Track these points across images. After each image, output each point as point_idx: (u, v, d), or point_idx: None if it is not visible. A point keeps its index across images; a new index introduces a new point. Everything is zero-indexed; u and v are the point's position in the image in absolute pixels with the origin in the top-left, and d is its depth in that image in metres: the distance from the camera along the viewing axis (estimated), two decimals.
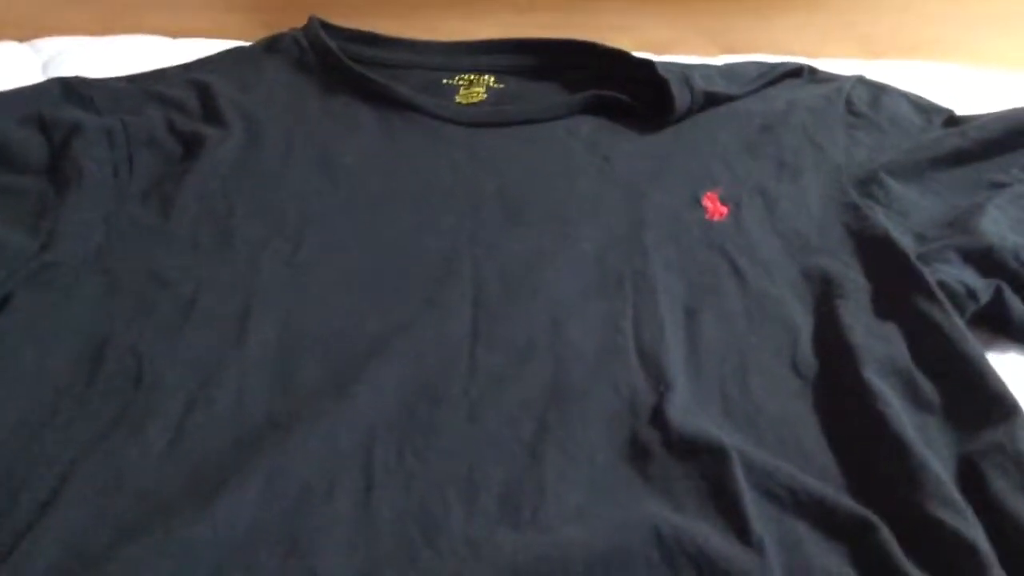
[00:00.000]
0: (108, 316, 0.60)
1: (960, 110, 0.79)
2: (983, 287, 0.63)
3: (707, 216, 0.69)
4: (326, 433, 0.54)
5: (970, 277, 0.63)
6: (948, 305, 0.60)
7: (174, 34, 0.97)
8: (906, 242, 0.65)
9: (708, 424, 0.55)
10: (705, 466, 0.53)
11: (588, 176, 0.72)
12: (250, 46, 0.85)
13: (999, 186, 0.71)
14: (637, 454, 0.54)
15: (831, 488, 0.52)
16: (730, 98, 0.78)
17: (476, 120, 0.77)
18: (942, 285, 0.62)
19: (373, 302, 0.63)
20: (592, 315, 0.62)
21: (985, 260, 0.64)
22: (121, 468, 0.52)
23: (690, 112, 0.76)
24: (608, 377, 0.58)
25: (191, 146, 0.72)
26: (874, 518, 0.50)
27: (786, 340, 0.61)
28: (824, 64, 0.86)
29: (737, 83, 0.79)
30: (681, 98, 0.76)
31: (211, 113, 0.75)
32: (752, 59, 0.88)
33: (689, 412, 0.55)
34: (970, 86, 0.90)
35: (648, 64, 0.78)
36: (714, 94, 0.77)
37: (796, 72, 0.82)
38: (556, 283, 0.64)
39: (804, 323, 0.62)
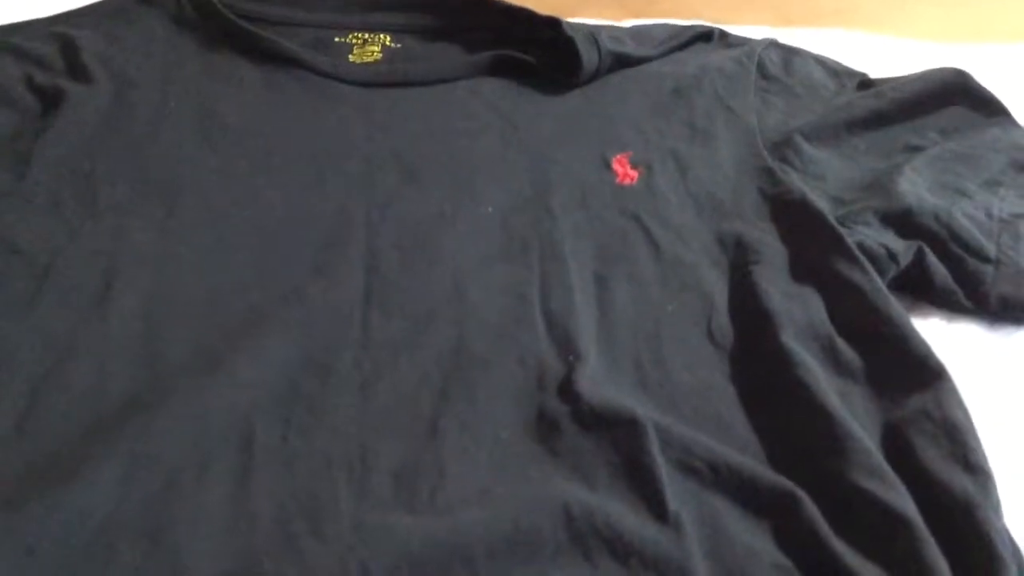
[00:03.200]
0: None
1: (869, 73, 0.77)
2: (903, 249, 0.60)
3: (617, 180, 0.65)
4: (197, 412, 0.48)
5: (890, 239, 0.60)
6: (869, 267, 0.57)
7: None
8: (823, 205, 0.62)
9: (621, 396, 0.51)
10: (618, 440, 0.49)
11: (491, 138, 0.68)
12: None
13: (916, 149, 0.69)
14: (545, 429, 0.50)
15: (752, 460, 0.49)
16: (640, 60, 0.74)
17: (370, 79, 0.71)
18: (862, 247, 0.59)
19: (254, 270, 0.57)
20: (496, 281, 0.57)
21: (904, 222, 0.61)
22: None
23: (598, 74, 0.72)
24: (514, 347, 0.54)
25: (51, 102, 0.65)
26: (798, 491, 0.47)
27: (701, 308, 0.57)
28: (736, 31, 0.82)
29: (647, 45, 0.75)
30: (589, 58, 0.71)
31: (75, 68, 0.68)
32: (658, 22, 0.84)
33: (600, 383, 0.51)
34: (881, 55, 0.88)
35: (554, 23, 0.73)
36: (623, 55, 0.73)
37: (707, 35, 0.79)
38: (457, 248, 0.59)
39: (719, 290, 0.58)
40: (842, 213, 0.62)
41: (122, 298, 0.54)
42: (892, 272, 0.59)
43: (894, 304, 0.56)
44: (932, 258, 0.60)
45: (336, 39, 0.76)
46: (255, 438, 0.48)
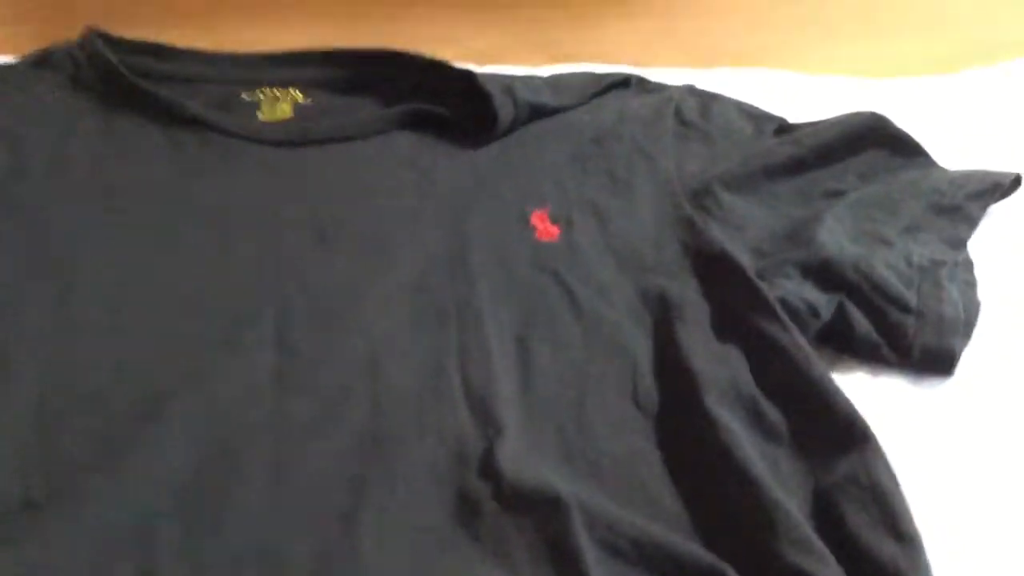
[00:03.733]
0: None
1: (790, 117, 0.76)
2: (825, 303, 0.59)
3: (536, 236, 0.63)
4: (94, 514, 0.46)
5: (811, 292, 0.60)
6: (791, 324, 0.57)
7: None
8: (744, 258, 0.61)
9: (544, 472, 0.49)
10: (541, 521, 0.47)
11: (406, 196, 0.66)
12: (15, 62, 0.74)
13: (835, 194, 0.68)
14: (466, 511, 0.48)
15: (679, 536, 0.47)
16: (557, 110, 0.72)
17: (280, 138, 0.69)
18: (783, 303, 0.58)
19: (157, 352, 0.54)
20: (413, 352, 0.55)
21: (824, 273, 0.61)
22: None
23: (515, 126, 0.70)
24: (432, 423, 0.52)
25: None
26: (725, 568, 0.45)
27: (626, 369, 0.56)
28: (651, 73, 0.82)
29: (564, 95, 0.74)
30: (504, 111, 0.69)
31: None
32: (579, 69, 0.83)
33: (522, 459, 0.50)
34: (798, 93, 0.88)
35: (468, 75, 0.72)
36: (540, 106, 0.71)
37: (624, 82, 0.78)
38: (371, 318, 0.57)
39: (643, 349, 0.57)
40: (762, 265, 0.61)
41: (13, 389, 0.51)
42: (815, 327, 0.59)
43: (817, 363, 0.55)
44: (854, 310, 0.60)
45: (244, 96, 0.74)
46: (157, 539, 0.45)
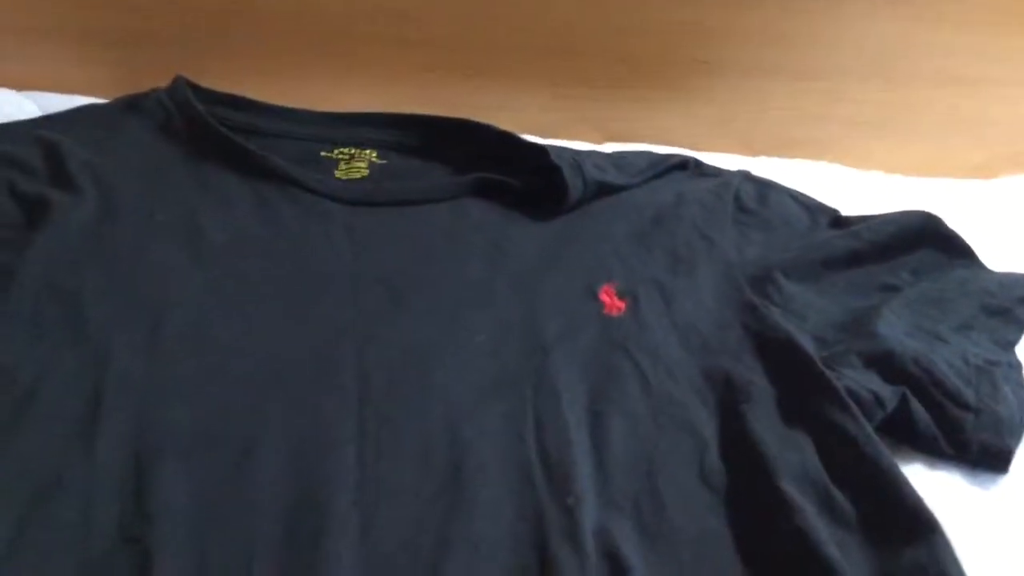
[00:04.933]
0: None
1: (837, 208, 0.79)
2: (890, 394, 0.61)
3: (605, 311, 0.65)
4: (192, 560, 0.47)
5: (875, 383, 0.62)
6: (859, 413, 0.58)
7: (20, 86, 0.88)
8: (808, 345, 0.63)
9: (623, 545, 0.50)
10: None
11: (477, 262, 0.68)
12: (108, 104, 0.77)
13: (890, 288, 0.71)
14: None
15: None
16: (620, 188, 0.75)
17: (357, 198, 0.71)
18: (849, 392, 0.60)
19: (244, 399, 0.56)
20: (491, 419, 0.57)
21: (887, 365, 0.63)
22: None
23: (581, 202, 0.73)
24: (512, 491, 0.53)
25: (35, 212, 0.64)
26: None
27: (693, 447, 0.58)
28: (708, 159, 0.85)
29: (627, 173, 0.76)
30: (574, 187, 0.72)
31: (60, 176, 0.67)
32: (637, 148, 0.86)
33: (604, 531, 0.51)
34: (847, 186, 0.91)
35: (540, 149, 0.74)
36: (606, 184, 0.74)
37: (682, 164, 0.80)
38: (449, 380, 0.59)
39: (710, 429, 0.59)
40: (826, 354, 0.63)
41: (108, 429, 0.52)
42: (879, 417, 0.60)
43: (885, 453, 0.56)
44: (916, 404, 0.61)
45: (323, 154, 0.76)
46: None
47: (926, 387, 0.62)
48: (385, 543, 0.50)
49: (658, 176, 0.78)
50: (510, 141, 0.76)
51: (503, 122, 0.79)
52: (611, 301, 0.66)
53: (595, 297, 0.66)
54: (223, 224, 0.67)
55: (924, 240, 0.74)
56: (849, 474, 0.56)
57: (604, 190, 0.74)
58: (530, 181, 0.74)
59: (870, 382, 0.61)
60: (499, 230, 0.71)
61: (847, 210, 0.81)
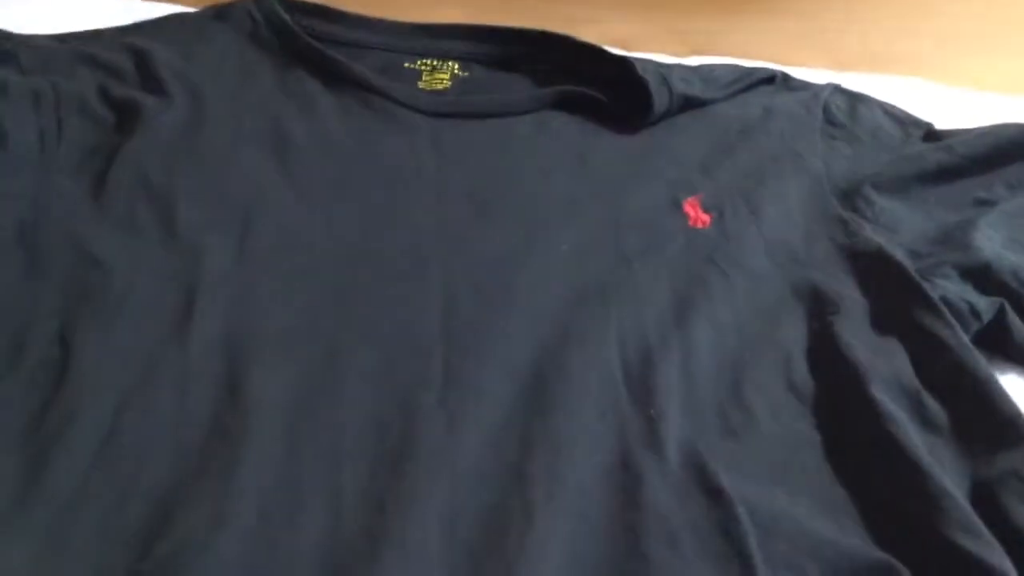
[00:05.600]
0: (32, 298, 0.54)
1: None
2: (986, 305, 0.60)
3: (690, 223, 0.65)
4: (285, 452, 0.49)
5: (972, 295, 0.60)
6: (954, 321, 0.57)
7: None
8: (901, 257, 0.62)
9: (708, 460, 0.50)
10: (707, 508, 0.49)
11: (561, 175, 0.68)
12: (197, 12, 0.77)
13: (985, 203, 0.69)
14: (630, 484, 0.50)
15: (845, 531, 0.49)
16: (706, 102, 0.74)
17: (441, 109, 0.71)
18: (945, 301, 0.59)
19: (332, 299, 0.57)
20: (574, 327, 0.57)
21: (983, 278, 0.61)
22: (40, 476, 0.46)
23: (667, 115, 0.72)
24: (594, 399, 0.53)
25: (126, 116, 0.65)
26: (895, 564, 0.46)
27: (781, 357, 0.57)
28: (792, 72, 0.82)
29: (713, 87, 0.75)
30: (660, 100, 0.71)
31: (150, 81, 0.68)
32: (722, 62, 0.84)
33: (686, 442, 0.51)
34: (937, 103, 0.87)
35: (625, 62, 0.73)
36: (692, 97, 0.73)
37: (770, 79, 0.79)
38: (532, 289, 0.59)
39: (798, 339, 0.58)
40: (920, 266, 0.62)
41: (201, 326, 0.54)
42: (974, 328, 0.59)
43: (981, 361, 0.55)
44: (1013, 316, 0.60)
45: (406, 64, 0.76)
46: (343, 480, 0.48)
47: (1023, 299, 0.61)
48: (470, 441, 0.50)
49: (745, 90, 0.77)
50: (594, 53, 0.75)
51: (587, 34, 0.78)
52: (696, 214, 0.65)
53: (680, 210, 0.66)
54: (308, 131, 0.67)
55: (1020, 153, 0.71)
56: (943, 381, 0.55)
57: (690, 103, 0.73)
58: (615, 94, 0.73)
59: (966, 293, 0.60)
60: (583, 142, 0.70)
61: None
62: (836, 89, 0.78)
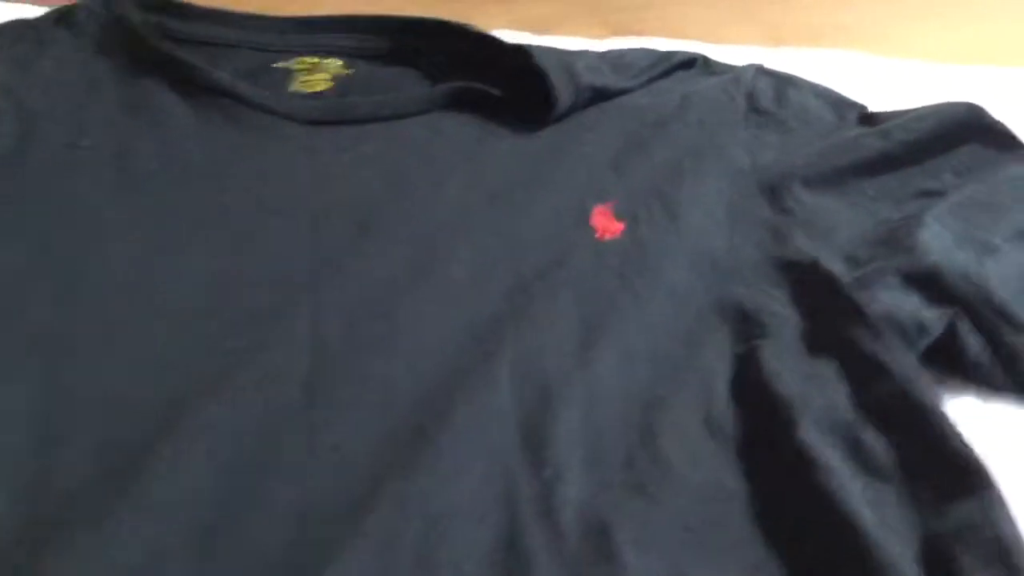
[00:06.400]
0: None
1: (871, 104, 0.69)
2: (934, 319, 0.52)
3: (598, 235, 0.57)
4: (100, 548, 0.40)
5: (917, 306, 0.53)
6: (896, 343, 0.50)
7: None
8: (837, 267, 0.54)
9: (612, 524, 0.43)
10: None
11: (455, 186, 0.59)
12: (36, 18, 0.69)
13: (930, 194, 0.61)
14: (514, 561, 0.41)
15: None
16: (618, 92, 0.66)
17: (317, 116, 0.63)
18: (887, 318, 0.51)
19: (177, 353, 0.49)
20: (463, 369, 0.49)
21: (931, 283, 0.53)
22: None
23: (573, 110, 0.63)
24: (480, 459, 0.45)
25: None
26: None
27: (699, 390, 0.49)
28: (724, 50, 0.76)
29: (625, 75, 0.67)
30: (563, 94, 0.62)
31: None
32: (647, 43, 0.76)
33: (585, 507, 0.43)
34: (880, 76, 0.80)
35: (523, 52, 0.65)
36: (601, 88, 0.65)
37: (689, 63, 0.70)
38: (417, 322, 0.51)
39: (720, 370, 0.50)
40: (859, 275, 0.54)
41: (10, 399, 0.45)
42: (921, 346, 0.52)
43: (927, 389, 0.48)
44: (966, 328, 0.52)
45: (278, 64, 0.68)
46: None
47: (978, 307, 0.53)
48: (327, 509, 0.43)
49: (661, 77, 0.68)
50: (490, 44, 0.67)
51: (494, 16, 0.71)
52: (607, 222, 0.57)
53: (588, 219, 0.57)
54: (158, 153, 0.59)
55: (967, 135, 0.63)
56: (884, 414, 0.47)
57: (599, 96, 0.65)
58: (514, 88, 0.64)
59: (911, 305, 0.52)
60: (480, 148, 0.62)
61: (883, 106, 0.70)
62: (760, 71, 0.69)
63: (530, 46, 0.65)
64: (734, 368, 0.50)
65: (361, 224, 0.56)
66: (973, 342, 0.52)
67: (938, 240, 0.55)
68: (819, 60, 0.82)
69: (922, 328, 0.52)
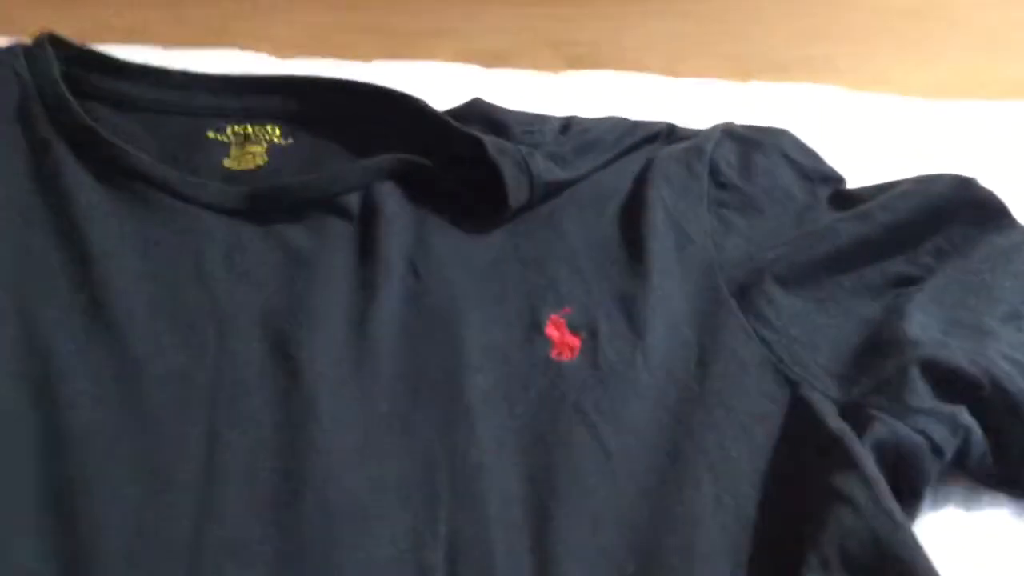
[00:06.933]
0: None
1: (844, 139, 0.66)
2: (946, 436, 0.49)
3: (553, 354, 0.52)
4: None
5: (927, 422, 0.49)
6: (875, 476, 0.46)
7: None
8: (830, 393, 0.51)
9: None
10: None
11: (388, 294, 0.53)
12: None
13: (911, 281, 0.57)
14: None
15: None
16: (577, 181, 0.60)
17: (240, 206, 0.57)
18: (896, 448, 0.48)
19: (36, 522, 0.44)
20: (383, 536, 0.44)
21: (935, 381, 0.50)
22: None
23: (528, 206, 0.58)
24: None
25: None
26: None
27: (674, 554, 0.46)
28: (688, 84, 0.74)
29: (589, 157, 0.60)
30: (516, 190, 0.57)
31: None
32: (600, 77, 0.74)
33: None
34: (853, 111, 0.77)
35: (476, 142, 0.58)
36: (560, 183, 0.59)
37: (654, 136, 0.64)
38: (333, 478, 0.46)
39: (702, 526, 0.46)
40: (854, 396, 0.51)
41: None
42: (937, 468, 0.49)
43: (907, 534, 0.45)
44: (973, 433, 0.49)
45: (210, 134, 0.61)
46: None
47: (989, 396, 0.50)
48: None
49: (628, 151, 0.62)
50: (441, 126, 0.60)
51: (449, 47, 0.68)
52: (561, 338, 0.53)
53: (540, 334, 0.53)
54: (59, 245, 0.53)
55: (955, 212, 0.59)
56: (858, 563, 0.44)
57: (557, 189, 0.59)
58: (465, 173, 0.58)
59: (919, 422, 0.49)
60: (418, 245, 0.56)
61: (858, 142, 0.69)
62: (725, 135, 0.63)
63: (484, 137, 0.58)
64: (714, 524, 0.47)
65: (277, 343, 0.51)
66: (979, 446, 0.50)
67: (926, 332, 0.52)
68: (789, 95, 0.79)
69: (936, 448, 0.48)
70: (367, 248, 0.56)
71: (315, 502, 0.45)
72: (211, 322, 0.52)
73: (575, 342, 0.53)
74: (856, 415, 0.49)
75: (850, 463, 0.47)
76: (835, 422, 0.49)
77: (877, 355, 0.52)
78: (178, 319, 0.52)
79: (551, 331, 0.53)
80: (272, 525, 0.44)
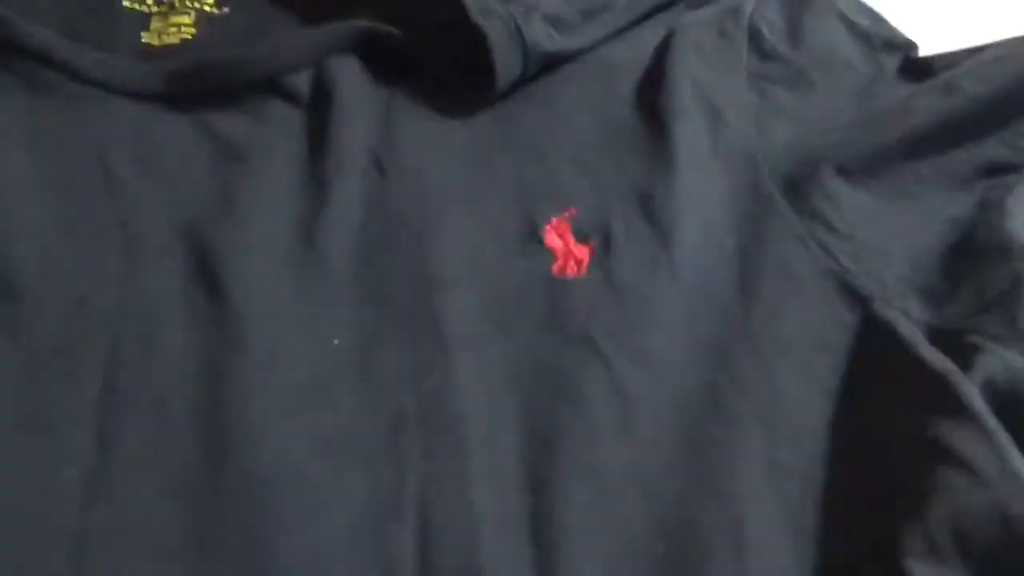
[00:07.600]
0: None
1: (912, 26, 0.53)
2: None
3: (554, 269, 0.41)
4: None
5: None
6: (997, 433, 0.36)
7: None
8: (912, 314, 0.40)
9: None
10: None
11: (344, 195, 0.43)
12: None
13: (1002, 169, 0.45)
14: None
15: None
16: (582, 51, 0.48)
17: (162, 87, 0.46)
18: (1013, 387, 0.37)
19: None
20: (331, 511, 0.35)
21: None
22: None
23: (521, 82, 0.46)
24: None
25: None
26: None
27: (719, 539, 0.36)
28: None
29: (597, 24, 0.48)
30: (507, 64, 0.45)
31: None
32: None
33: None
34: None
35: (455, 2, 0.46)
36: (559, 53, 0.47)
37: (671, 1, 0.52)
38: (266, 436, 0.36)
39: (744, 488, 0.37)
40: (951, 320, 0.40)
41: None
42: None
43: None
44: None
45: (126, 3, 0.49)
46: None
47: None
48: None
49: (643, 19, 0.50)
50: None
51: None
52: (565, 248, 0.42)
53: (538, 242, 0.42)
54: None
55: None
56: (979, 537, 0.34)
57: (557, 61, 0.47)
58: (442, 43, 0.47)
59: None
60: (388, 133, 0.45)
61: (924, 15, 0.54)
62: None
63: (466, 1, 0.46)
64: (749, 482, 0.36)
65: (200, 264, 0.41)
66: None
67: None
68: None
69: None
70: (319, 139, 0.45)
71: (240, 469, 0.35)
72: (117, 236, 0.41)
73: (583, 253, 0.42)
74: (954, 344, 0.39)
75: (960, 409, 0.36)
76: (930, 352, 0.38)
77: (975, 264, 0.42)
78: (76, 234, 0.42)
79: (552, 239, 0.42)
80: (182, 502, 0.35)
